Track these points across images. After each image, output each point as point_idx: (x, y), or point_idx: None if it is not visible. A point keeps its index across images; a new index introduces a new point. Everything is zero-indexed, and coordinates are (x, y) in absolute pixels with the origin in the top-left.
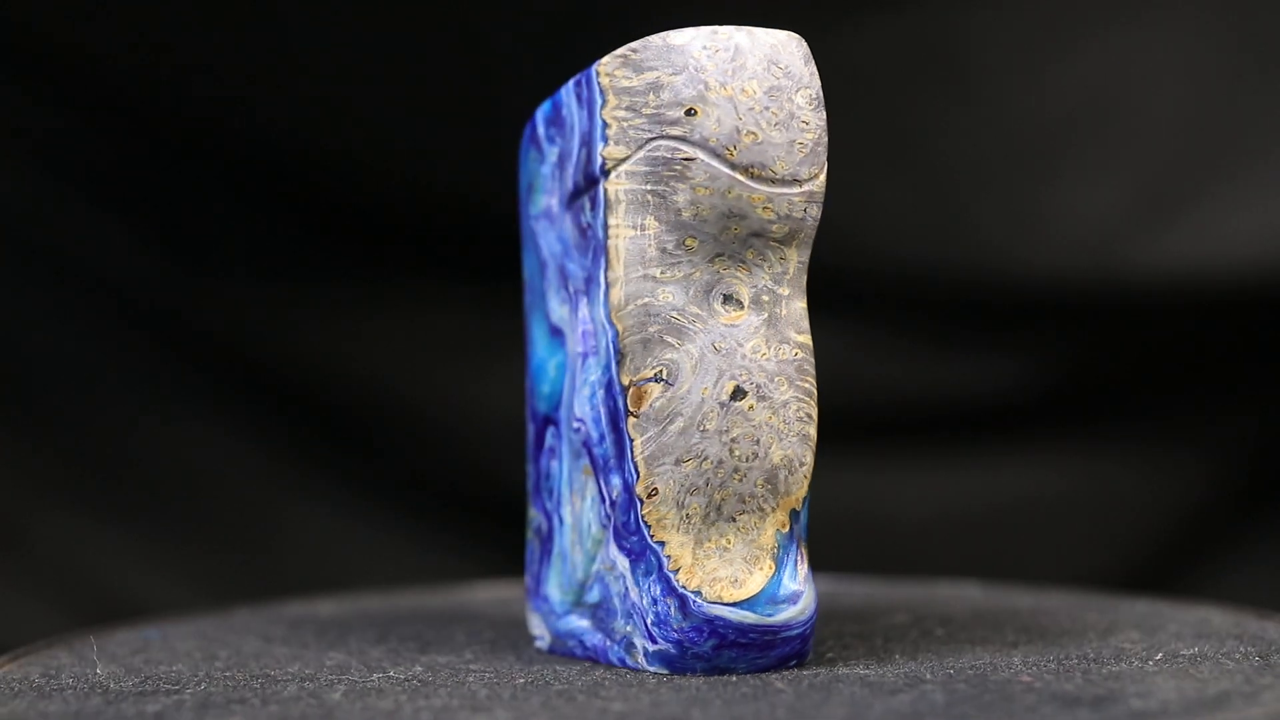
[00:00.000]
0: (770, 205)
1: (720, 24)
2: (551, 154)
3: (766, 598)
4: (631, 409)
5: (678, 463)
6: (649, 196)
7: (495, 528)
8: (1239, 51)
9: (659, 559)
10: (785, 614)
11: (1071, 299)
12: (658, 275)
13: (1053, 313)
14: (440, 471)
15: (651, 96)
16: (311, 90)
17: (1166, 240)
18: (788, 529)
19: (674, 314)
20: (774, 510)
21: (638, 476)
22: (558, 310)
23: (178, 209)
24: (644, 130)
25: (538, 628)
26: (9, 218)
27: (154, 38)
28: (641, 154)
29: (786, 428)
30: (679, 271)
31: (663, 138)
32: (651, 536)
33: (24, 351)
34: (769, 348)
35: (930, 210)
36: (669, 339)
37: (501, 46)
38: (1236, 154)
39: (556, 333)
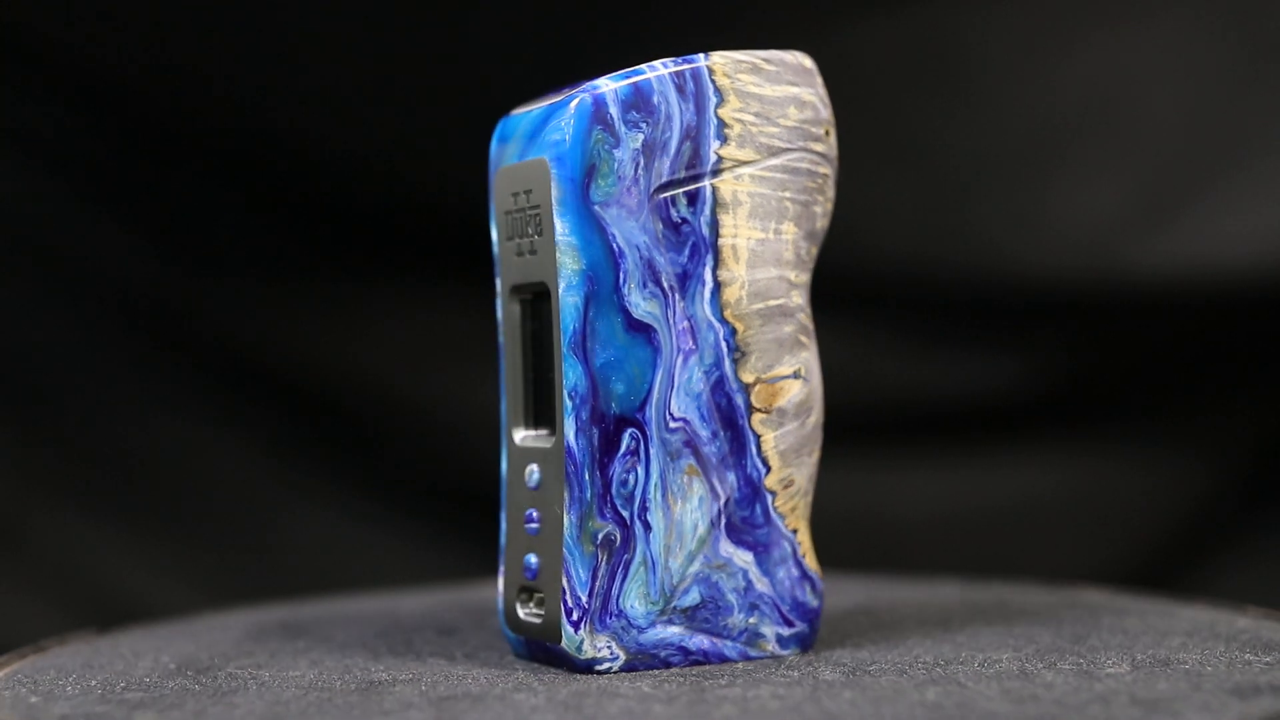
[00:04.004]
0: None
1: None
2: (632, 139)
3: None
4: (760, 405)
5: (811, 454)
6: (788, 204)
7: (496, 528)
8: (1239, 51)
9: (793, 545)
10: None
11: (1071, 299)
12: (793, 279)
13: (1053, 313)
14: (441, 471)
15: (793, 110)
16: (313, 91)
17: (1166, 240)
18: None
19: (803, 315)
20: None
21: (768, 470)
22: (643, 305)
23: (178, 209)
24: (780, 139)
25: (604, 649)
26: (8, 218)
27: (155, 38)
28: (777, 161)
29: None
30: (805, 276)
31: (806, 151)
32: (786, 525)
33: (24, 351)
34: None
35: (930, 210)
36: (803, 339)
37: (505, 46)
38: (1236, 154)
39: (640, 328)
